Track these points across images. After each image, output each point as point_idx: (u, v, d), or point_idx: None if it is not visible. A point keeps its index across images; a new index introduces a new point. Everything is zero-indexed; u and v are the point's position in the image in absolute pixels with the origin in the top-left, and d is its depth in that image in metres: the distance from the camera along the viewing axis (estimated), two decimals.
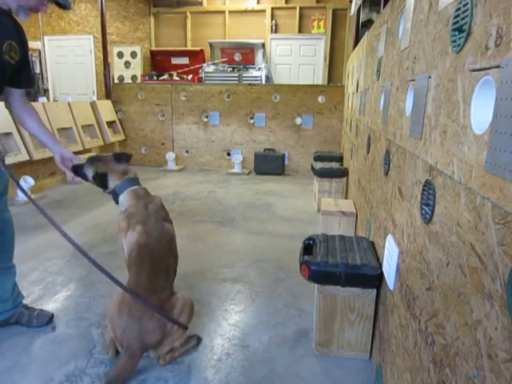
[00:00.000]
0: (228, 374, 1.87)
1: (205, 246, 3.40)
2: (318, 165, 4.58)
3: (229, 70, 7.97)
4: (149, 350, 1.81)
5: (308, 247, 2.13)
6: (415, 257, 1.31)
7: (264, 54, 8.19)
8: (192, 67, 8.18)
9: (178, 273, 2.05)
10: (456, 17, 1.06)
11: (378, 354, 1.82)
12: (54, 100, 8.86)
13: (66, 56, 9.20)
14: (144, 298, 1.72)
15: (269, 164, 6.62)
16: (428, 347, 1.13)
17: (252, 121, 6.76)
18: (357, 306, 1.92)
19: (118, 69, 8.91)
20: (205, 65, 8.06)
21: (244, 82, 7.45)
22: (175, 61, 8.57)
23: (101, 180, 2.09)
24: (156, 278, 1.85)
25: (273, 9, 8.22)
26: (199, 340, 2.07)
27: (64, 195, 5.08)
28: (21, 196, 4.63)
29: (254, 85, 6.81)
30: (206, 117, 6.89)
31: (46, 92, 8.95)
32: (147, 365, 1.91)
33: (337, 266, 1.87)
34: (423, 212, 1.25)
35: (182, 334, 1.88)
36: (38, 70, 8.75)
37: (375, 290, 1.89)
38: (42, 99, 5.75)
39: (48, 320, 2.20)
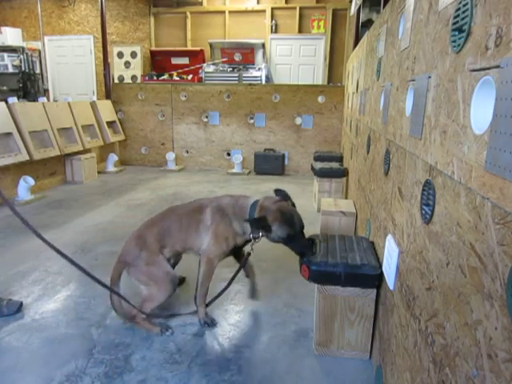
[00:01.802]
0: (228, 373, 1.87)
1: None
2: (318, 165, 4.58)
3: (229, 69, 7.97)
4: (125, 265, 2.21)
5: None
6: (415, 257, 1.31)
7: (264, 53, 8.19)
8: (192, 67, 8.18)
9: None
10: (456, 17, 1.06)
11: (377, 354, 1.82)
12: (54, 100, 8.87)
13: (66, 56, 9.20)
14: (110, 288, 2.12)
15: (269, 164, 6.62)
16: (428, 347, 1.13)
17: (252, 121, 6.76)
18: (357, 306, 1.92)
19: (117, 69, 8.91)
20: (205, 65, 8.05)
21: (244, 81, 7.45)
22: (175, 61, 8.56)
23: None
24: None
25: (273, 9, 8.22)
26: (162, 331, 2.16)
27: (64, 195, 5.08)
28: (21, 196, 4.63)
29: (254, 85, 6.81)
30: (206, 117, 6.89)
31: (45, 92, 8.95)
32: (147, 365, 1.91)
33: (337, 265, 1.87)
34: (423, 212, 1.25)
35: (142, 278, 2.19)
36: (38, 70, 8.75)
37: (375, 290, 1.89)
38: (42, 99, 5.74)
39: (18, 308, 2.31)
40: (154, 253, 2.19)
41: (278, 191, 2.20)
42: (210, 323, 2.23)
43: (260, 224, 2.04)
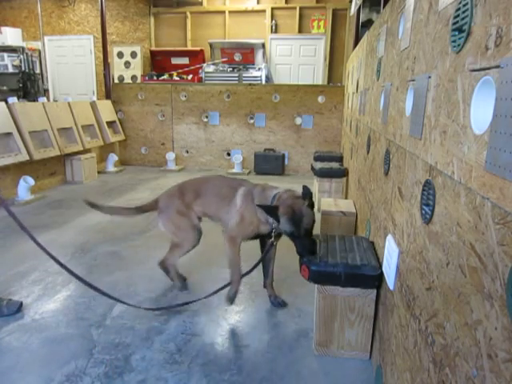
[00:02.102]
0: (228, 373, 1.87)
1: (205, 245, 3.39)
2: (318, 165, 4.58)
3: (229, 69, 7.97)
4: (157, 209, 2.52)
5: None
6: (415, 257, 1.31)
7: (264, 53, 8.19)
8: (192, 67, 8.18)
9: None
10: (456, 17, 1.06)
11: (377, 354, 1.82)
12: (54, 100, 8.86)
13: (65, 56, 9.20)
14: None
15: (269, 164, 6.62)
16: (428, 347, 1.13)
17: (252, 121, 6.76)
18: (357, 306, 1.92)
19: (117, 69, 8.90)
20: (205, 65, 8.05)
21: (244, 81, 7.45)
22: (175, 61, 8.56)
23: None
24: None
25: (273, 9, 8.22)
26: (181, 289, 2.52)
27: (64, 195, 5.08)
28: (21, 196, 4.63)
29: (254, 85, 6.81)
30: (206, 117, 6.89)
31: (45, 92, 8.95)
32: (147, 365, 1.91)
33: (337, 266, 1.87)
34: (423, 212, 1.25)
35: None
36: (38, 70, 8.75)
37: (375, 290, 1.88)
38: (42, 99, 5.74)
39: (18, 308, 2.32)
40: (187, 205, 2.43)
41: (304, 187, 2.19)
42: (232, 302, 2.31)
43: (270, 212, 2.10)
